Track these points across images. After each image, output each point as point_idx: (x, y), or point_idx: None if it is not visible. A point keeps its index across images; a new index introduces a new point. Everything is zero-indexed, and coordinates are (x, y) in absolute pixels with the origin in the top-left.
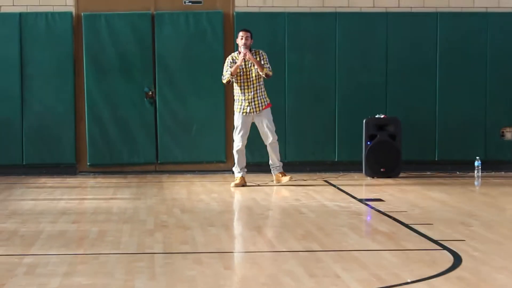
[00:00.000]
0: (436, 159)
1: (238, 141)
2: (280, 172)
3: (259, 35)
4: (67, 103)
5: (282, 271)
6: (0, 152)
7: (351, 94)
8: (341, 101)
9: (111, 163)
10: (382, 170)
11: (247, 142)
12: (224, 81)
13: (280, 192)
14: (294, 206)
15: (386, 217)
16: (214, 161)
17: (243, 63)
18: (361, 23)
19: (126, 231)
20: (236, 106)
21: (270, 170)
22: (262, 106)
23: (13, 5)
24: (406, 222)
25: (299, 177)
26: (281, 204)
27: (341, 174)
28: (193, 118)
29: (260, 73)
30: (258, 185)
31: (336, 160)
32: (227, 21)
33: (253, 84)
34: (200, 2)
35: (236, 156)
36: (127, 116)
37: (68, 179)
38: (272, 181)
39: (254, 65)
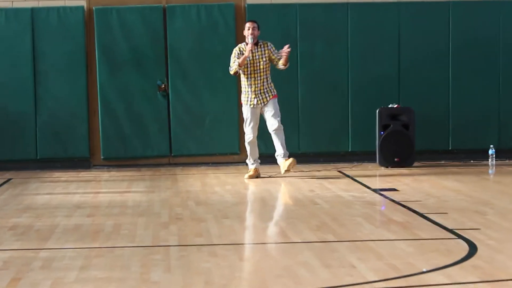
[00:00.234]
0: (450, 148)
1: (249, 133)
2: (284, 158)
3: (270, 26)
4: (80, 97)
5: (297, 262)
6: (14, 147)
7: (364, 85)
8: (354, 91)
9: (125, 157)
10: (396, 160)
11: (259, 133)
12: (231, 72)
13: (294, 183)
14: (309, 197)
15: (400, 207)
16: (228, 153)
17: (250, 55)
18: (373, 13)
19: (141, 224)
20: (243, 98)
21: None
22: (269, 97)
23: (25, 0)
24: (421, 211)
25: (313, 167)
26: (295, 195)
27: (355, 164)
28: (206, 110)
29: (282, 66)
30: (270, 177)
31: (349, 150)
32: (239, 13)
33: (260, 76)
34: None
35: (248, 148)
36: (140, 110)
37: (82, 173)
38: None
39: (262, 57)
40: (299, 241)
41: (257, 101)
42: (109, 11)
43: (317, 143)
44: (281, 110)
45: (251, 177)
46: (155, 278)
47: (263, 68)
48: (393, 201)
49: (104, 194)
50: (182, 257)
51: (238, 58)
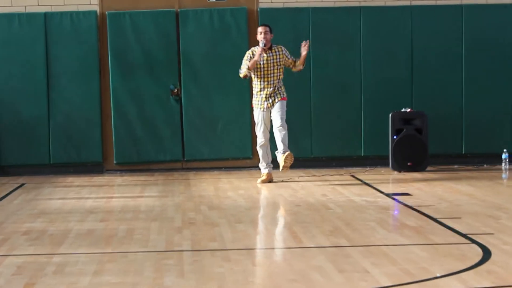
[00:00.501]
0: (463, 152)
1: (260, 137)
2: (281, 153)
3: (283, 30)
4: (93, 102)
5: (311, 267)
6: (27, 151)
7: (376, 89)
8: (366, 95)
9: (138, 161)
10: (409, 164)
11: (270, 136)
12: (241, 75)
13: (307, 187)
14: (321, 201)
15: (413, 211)
16: (241, 158)
17: (263, 59)
18: (386, 17)
19: (154, 229)
20: (255, 102)
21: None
22: (277, 99)
23: (38, 5)
24: (434, 216)
25: (326, 172)
26: (308, 200)
27: (368, 168)
28: (219, 115)
29: (301, 66)
30: (283, 181)
31: (362, 154)
32: (251, 17)
33: (273, 79)
34: None
35: (260, 152)
36: (153, 114)
37: (95, 177)
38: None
39: (275, 61)
40: (312, 245)
41: (267, 104)
42: (122, 16)
43: (329, 147)
44: (293, 113)
45: (263, 181)
46: (168, 283)
47: (276, 72)
48: (406, 205)
49: (117, 199)
50: (195, 262)
51: (248, 61)
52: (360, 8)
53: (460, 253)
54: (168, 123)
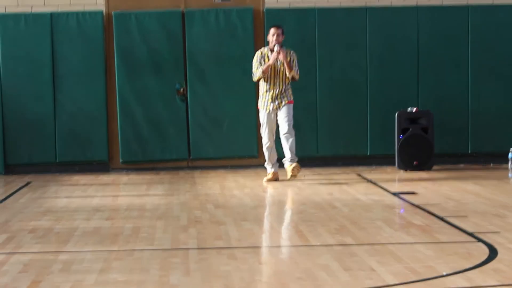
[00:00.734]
0: (469, 151)
1: (266, 139)
2: (289, 163)
3: (289, 31)
4: (99, 101)
5: (317, 265)
6: (34, 150)
7: (382, 88)
8: (373, 95)
9: (144, 160)
10: (415, 163)
11: (276, 136)
12: (255, 79)
13: (313, 186)
14: (327, 200)
15: (419, 210)
16: (246, 156)
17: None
18: (392, 18)
19: (160, 227)
20: (260, 103)
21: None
22: (284, 102)
23: (44, 5)
24: (440, 214)
25: (332, 171)
26: (314, 198)
27: (374, 167)
28: (225, 114)
29: (287, 74)
30: (289, 180)
31: (368, 154)
32: (257, 17)
33: (280, 82)
34: None
35: (266, 153)
36: (159, 113)
37: (101, 176)
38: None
39: (283, 64)
40: (318, 244)
41: (273, 106)
42: (128, 16)
43: (335, 147)
44: (300, 113)
45: (269, 180)
46: (174, 281)
47: (283, 75)
48: (413, 204)
49: (123, 197)
50: (201, 260)
51: (260, 63)
52: (366, 9)
53: (466, 251)
54: (174, 122)
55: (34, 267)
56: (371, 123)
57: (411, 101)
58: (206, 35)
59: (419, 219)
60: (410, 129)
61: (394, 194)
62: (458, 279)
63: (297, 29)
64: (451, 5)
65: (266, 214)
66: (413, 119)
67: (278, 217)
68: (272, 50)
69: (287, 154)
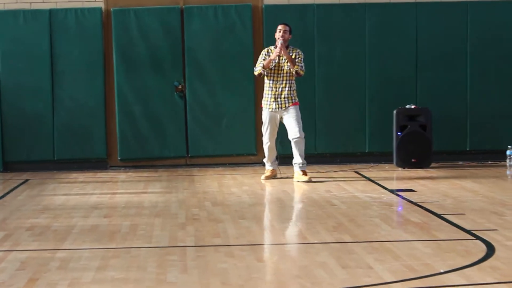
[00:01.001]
0: (467, 149)
1: (266, 139)
2: (302, 170)
3: None
4: (98, 98)
5: (315, 263)
6: (31, 147)
7: (381, 85)
8: (371, 92)
9: (142, 157)
10: (413, 160)
11: (276, 137)
12: (256, 73)
13: (311, 184)
14: (325, 197)
15: (417, 208)
16: (245, 154)
17: (277, 58)
18: (391, 14)
19: (157, 225)
20: (263, 102)
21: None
22: (288, 103)
23: (43, 2)
24: (438, 212)
25: (330, 168)
26: (312, 196)
27: (372, 165)
28: (223, 111)
29: (291, 69)
30: (287, 177)
31: (366, 151)
32: (256, 14)
33: (283, 80)
34: None
35: (266, 152)
36: (157, 110)
37: (99, 173)
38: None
39: (287, 61)
40: (316, 241)
41: (276, 105)
42: (127, 12)
43: (334, 144)
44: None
45: (267, 178)
46: (171, 278)
47: (287, 73)
48: (410, 202)
49: (121, 195)
50: (198, 258)
51: (264, 59)
52: (365, 5)
53: (464, 249)
54: (173, 119)
55: (31, 265)
56: (369, 120)
57: (410, 98)
58: (205, 31)
59: (417, 216)
60: (409, 127)
61: (392, 191)
62: (455, 277)
63: (296, 25)
64: (450, 2)
65: (264, 211)
66: (411, 116)
67: (276, 214)
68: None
69: (298, 159)
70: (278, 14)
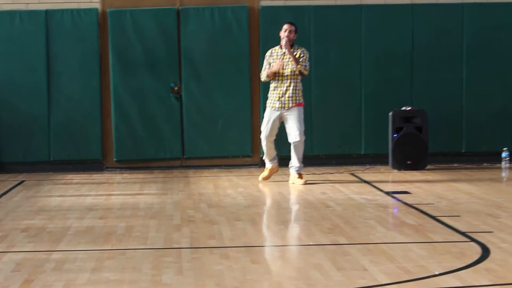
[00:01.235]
0: (463, 151)
1: (263, 138)
2: (298, 173)
3: None
4: (94, 99)
5: (310, 265)
6: (27, 148)
7: (377, 87)
8: (367, 93)
9: (138, 159)
10: (408, 162)
11: (277, 137)
12: (262, 80)
13: (307, 185)
14: (321, 199)
15: (413, 210)
16: (240, 156)
17: (279, 58)
18: (387, 15)
19: (153, 226)
20: (268, 101)
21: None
22: (292, 103)
23: (39, 2)
24: (433, 214)
25: (326, 170)
26: (308, 198)
27: (368, 167)
28: (219, 112)
29: (294, 68)
30: (283, 180)
31: (362, 153)
32: (252, 15)
33: (286, 79)
34: None
35: (264, 148)
36: (153, 112)
37: (94, 175)
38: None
39: (291, 60)
40: (312, 243)
41: (279, 104)
42: (123, 13)
43: (329, 146)
44: None
45: (264, 178)
46: (166, 280)
47: (291, 73)
48: (406, 204)
49: (117, 196)
50: (194, 260)
51: (269, 63)
52: (361, 6)
53: (459, 251)
54: (168, 120)
55: (26, 266)
56: (365, 122)
57: (406, 100)
58: (201, 33)
59: (412, 218)
60: (404, 128)
61: (388, 193)
62: (450, 279)
63: None
64: (446, 3)
65: (259, 213)
66: (407, 118)
67: (272, 216)
68: (281, 47)
69: (295, 162)
70: (274, 15)
